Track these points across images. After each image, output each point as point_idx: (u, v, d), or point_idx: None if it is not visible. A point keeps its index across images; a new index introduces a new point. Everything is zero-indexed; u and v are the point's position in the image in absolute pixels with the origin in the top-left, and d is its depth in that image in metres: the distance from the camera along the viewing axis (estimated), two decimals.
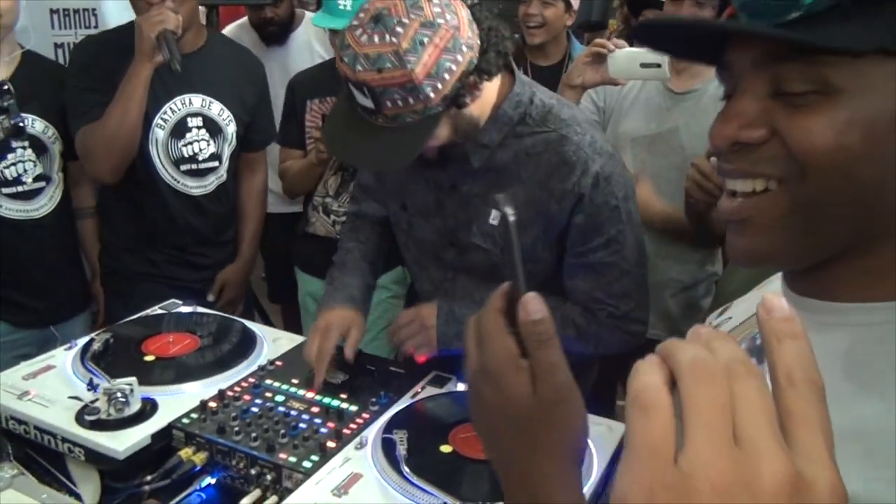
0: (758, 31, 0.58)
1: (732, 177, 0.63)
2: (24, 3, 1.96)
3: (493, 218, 1.36)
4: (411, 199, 1.48)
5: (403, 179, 1.48)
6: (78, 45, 2.10)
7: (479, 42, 1.20)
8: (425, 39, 1.13)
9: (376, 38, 1.12)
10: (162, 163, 2.02)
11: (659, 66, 1.74)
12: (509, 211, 0.57)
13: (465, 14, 1.19)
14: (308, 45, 2.99)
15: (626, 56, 1.81)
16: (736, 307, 0.84)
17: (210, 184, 2.09)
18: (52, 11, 2.25)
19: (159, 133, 1.99)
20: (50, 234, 2.00)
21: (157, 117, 1.98)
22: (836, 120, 0.55)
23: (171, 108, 1.99)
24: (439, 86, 1.16)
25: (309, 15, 3.21)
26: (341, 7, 2.23)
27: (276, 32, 2.87)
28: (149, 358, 1.48)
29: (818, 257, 0.61)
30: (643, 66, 1.77)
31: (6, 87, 1.87)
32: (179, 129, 2.01)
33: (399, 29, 1.12)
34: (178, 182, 2.05)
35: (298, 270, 2.45)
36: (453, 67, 1.16)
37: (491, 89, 1.29)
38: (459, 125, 1.27)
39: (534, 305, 0.55)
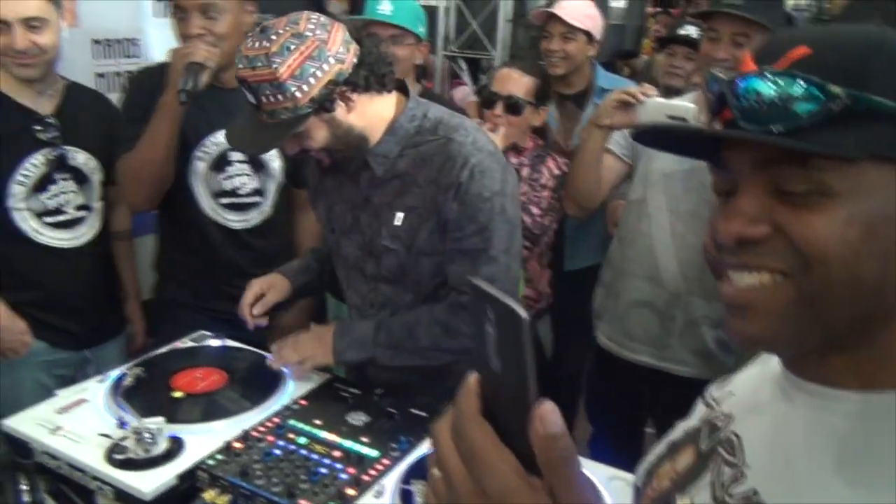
0: (757, 139, 0.60)
1: (737, 270, 0.64)
2: (66, 35, 2.02)
3: (397, 219, 1.52)
4: (336, 222, 1.65)
5: (329, 205, 1.66)
6: (132, 76, 2.15)
7: (353, 59, 1.40)
8: (292, 46, 1.34)
9: (256, 44, 1.35)
10: (203, 195, 2.05)
11: (685, 121, 1.76)
12: (522, 312, 0.51)
13: (339, 35, 1.39)
14: None
15: (654, 106, 1.84)
16: (736, 381, 0.85)
17: (252, 218, 2.11)
18: (94, 42, 2.31)
19: (200, 165, 2.02)
20: (89, 261, 2.05)
21: (197, 150, 2.01)
22: (836, 217, 0.57)
23: (212, 142, 2.01)
24: (304, 87, 1.36)
25: None
26: (380, 11, 2.32)
27: None
28: (177, 394, 1.53)
29: (818, 344, 0.63)
30: (670, 117, 1.79)
31: (50, 120, 1.94)
32: (220, 163, 2.04)
33: (273, 37, 1.34)
34: (219, 215, 2.08)
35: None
36: (318, 73, 1.36)
37: (382, 106, 1.50)
38: (337, 132, 1.45)
39: (552, 417, 0.47)
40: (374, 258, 1.60)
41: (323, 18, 1.40)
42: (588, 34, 2.59)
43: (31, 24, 1.84)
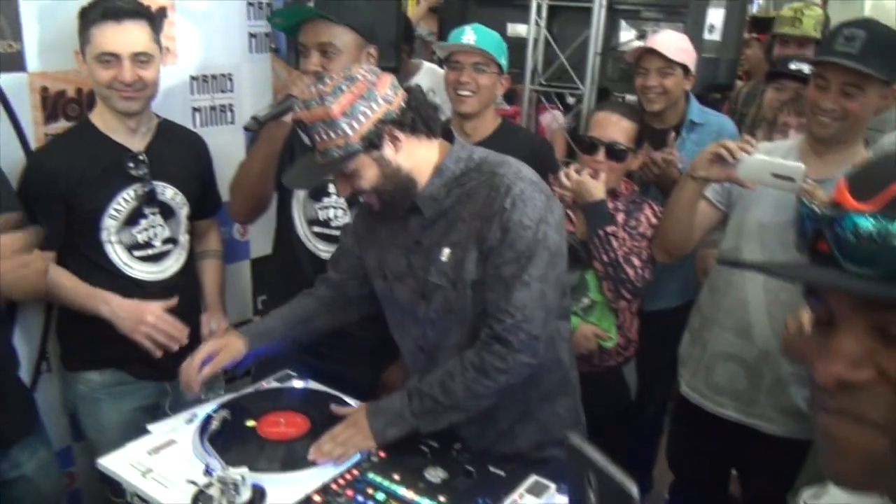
0: (857, 291, 0.57)
1: (834, 416, 0.61)
2: (165, 71, 2.09)
3: (444, 256, 1.56)
4: (389, 268, 1.68)
5: (381, 252, 1.69)
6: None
7: (400, 102, 1.49)
8: (344, 87, 1.45)
9: (312, 89, 1.47)
10: (299, 221, 2.15)
11: (793, 180, 1.69)
12: (634, 491, 0.52)
13: (388, 80, 1.50)
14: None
15: (757, 162, 1.78)
16: (833, 493, 0.82)
17: None
18: (191, 78, 2.40)
19: (300, 192, 2.13)
20: (174, 294, 2.11)
21: None
22: None
23: None
24: (355, 124, 1.45)
25: (427, 65, 3.32)
26: (465, 40, 2.35)
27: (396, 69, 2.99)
28: (261, 440, 1.56)
29: None
30: (775, 175, 1.72)
31: (141, 158, 2.01)
32: (318, 192, 2.12)
33: (328, 80, 1.47)
34: (311, 243, 2.14)
35: None
36: (368, 112, 1.45)
37: (428, 150, 1.56)
38: (386, 171, 1.51)
39: None
40: (425, 300, 1.62)
41: (373, 68, 1.53)
42: (685, 68, 2.52)
43: (139, 58, 1.92)
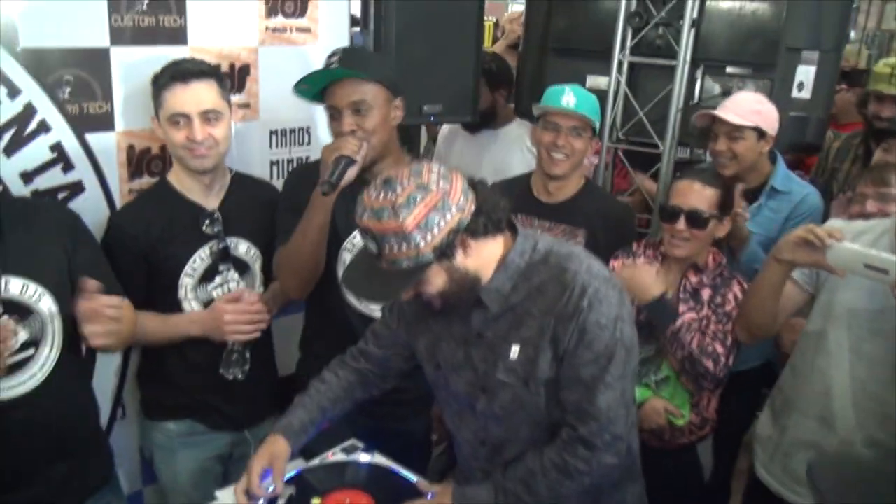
0: None
1: None
2: (242, 127, 2.13)
3: (514, 353, 1.52)
4: (443, 357, 1.64)
5: (434, 342, 1.65)
6: (292, 170, 2.25)
7: (471, 207, 1.43)
8: (418, 198, 1.37)
9: (381, 195, 1.39)
10: None
11: (887, 272, 1.61)
12: None
13: (460, 185, 1.43)
14: (520, 139, 3.13)
15: (848, 252, 1.70)
16: None
17: None
18: (271, 132, 2.44)
19: (347, 257, 2.07)
20: (251, 346, 2.14)
21: (347, 241, 2.07)
22: None
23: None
24: (429, 237, 1.38)
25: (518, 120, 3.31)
26: (565, 102, 2.31)
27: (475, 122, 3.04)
28: None
29: None
30: (867, 266, 1.64)
31: (216, 215, 2.05)
32: None
33: (399, 188, 1.38)
34: (364, 305, 2.10)
35: None
36: (442, 223, 1.39)
37: (494, 247, 1.52)
38: (454, 276, 1.46)
39: None
40: (487, 394, 1.58)
41: (443, 169, 1.45)
42: (759, 130, 2.42)
43: (208, 116, 1.96)
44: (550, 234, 2.31)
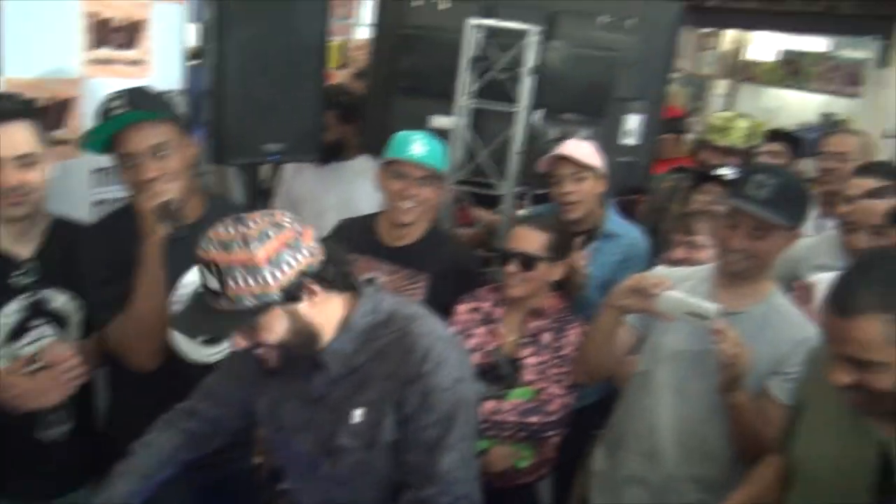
0: None
1: None
2: (60, 168, 1.96)
3: (357, 416, 1.50)
4: (286, 418, 1.60)
5: (275, 402, 1.61)
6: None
7: (322, 256, 1.42)
8: (271, 233, 1.36)
9: (231, 229, 1.36)
10: (181, 336, 1.94)
11: (707, 318, 1.75)
12: None
13: (311, 232, 1.43)
14: (367, 173, 3.03)
15: (672, 301, 1.82)
16: None
17: (224, 347, 1.99)
18: (90, 171, 2.27)
19: (177, 307, 1.91)
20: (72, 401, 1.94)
21: (174, 293, 1.93)
22: None
23: (182, 284, 1.93)
24: (278, 274, 1.35)
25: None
26: (412, 153, 2.30)
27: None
28: None
29: None
30: (690, 313, 1.78)
31: (28, 265, 1.86)
32: None
33: (251, 224, 1.37)
34: (200, 352, 1.99)
35: None
36: (293, 262, 1.37)
37: (337, 305, 1.50)
38: (296, 326, 1.43)
39: None
40: (330, 458, 1.54)
41: (297, 217, 1.45)
42: (596, 170, 2.55)
43: (23, 161, 1.78)
44: (393, 278, 2.30)
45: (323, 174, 3.26)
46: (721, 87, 6.49)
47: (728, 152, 3.29)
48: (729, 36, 6.26)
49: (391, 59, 3.20)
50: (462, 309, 2.30)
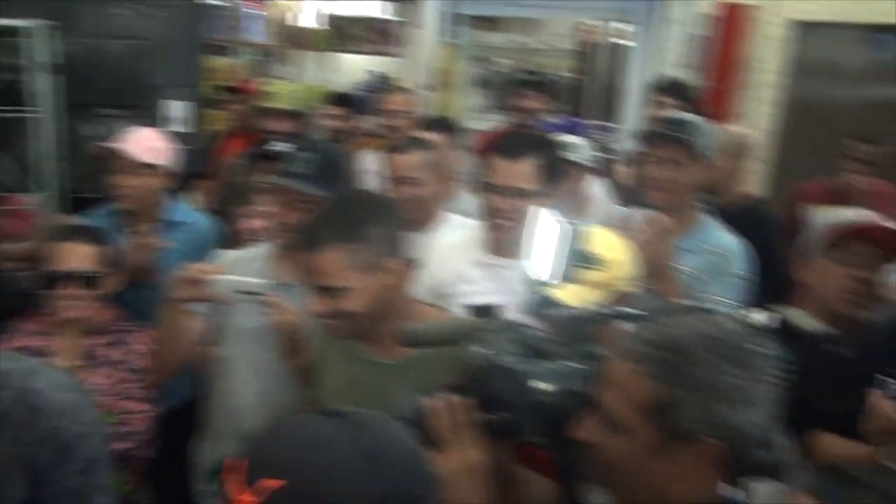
0: None
1: None
2: None
3: None
4: None
5: None
6: None
7: None
8: None
9: None
10: None
11: (261, 294, 1.84)
12: None
13: None
14: None
15: (224, 283, 1.86)
16: None
17: None
18: None
19: None
20: None
21: None
22: None
23: None
24: None
25: None
26: None
27: None
28: None
29: None
30: (244, 292, 1.85)
31: None
32: None
33: None
34: None
35: None
36: None
37: None
38: None
39: None
40: None
41: None
42: (156, 166, 2.47)
43: None
44: None
45: None
46: (281, 56, 6.67)
47: (282, 115, 3.40)
48: (277, 6, 6.43)
49: None
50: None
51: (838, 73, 4.32)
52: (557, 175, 2.07)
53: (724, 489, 1.04)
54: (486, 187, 2.03)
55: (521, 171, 1.97)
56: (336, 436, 0.79)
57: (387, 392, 1.43)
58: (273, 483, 0.71)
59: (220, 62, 4.54)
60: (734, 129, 3.00)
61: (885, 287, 1.85)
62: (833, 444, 1.64)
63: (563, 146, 2.73)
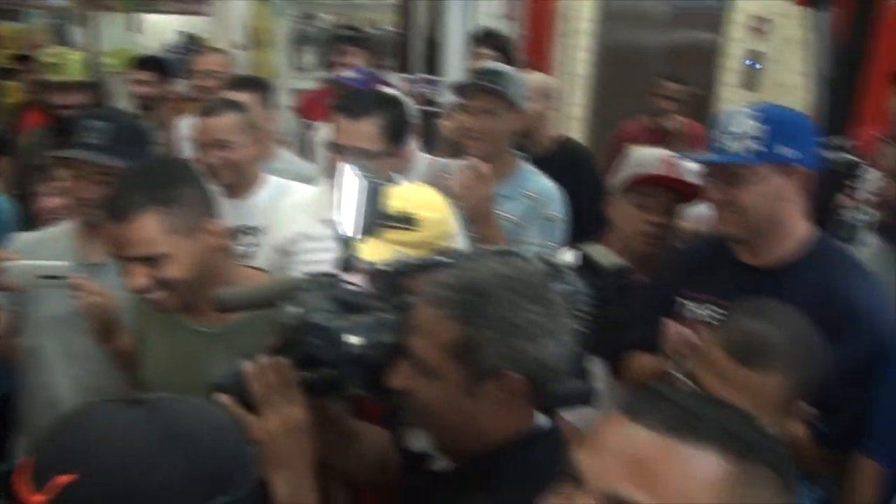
0: None
1: None
2: None
3: None
4: None
5: None
6: None
7: None
8: None
9: None
10: None
11: (63, 278, 1.70)
12: None
13: None
14: None
15: (24, 268, 1.72)
16: None
17: None
18: None
19: None
20: None
21: None
22: None
23: None
24: None
25: None
26: None
27: None
28: None
29: None
30: (46, 277, 1.71)
31: None
32: None
33: None
34: None
35: None
36: None
37: None
38: None
39: None
40: None
41: None
42: None
43: None
44: None
45: None
46: (81, 19, 6.17)
47: (69, 88, 3.13)
48: None
49: None
50: None
51: (646, 20, 4.59)
52: (403, 134, 2.05)
53: (539, 419, 1.10)
54: (331, 147, 1.98)
55: (365, 130, 1.94)
56: (132, 422, 0.75)
57: (210, 361, 1.40)
58: (64, 478, 0.67)
59: (12, 27, 4.13)
60: (537, 75, 3.10)
61: (681, 223, 2.01)
62: (643, 364, 1.78)
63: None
